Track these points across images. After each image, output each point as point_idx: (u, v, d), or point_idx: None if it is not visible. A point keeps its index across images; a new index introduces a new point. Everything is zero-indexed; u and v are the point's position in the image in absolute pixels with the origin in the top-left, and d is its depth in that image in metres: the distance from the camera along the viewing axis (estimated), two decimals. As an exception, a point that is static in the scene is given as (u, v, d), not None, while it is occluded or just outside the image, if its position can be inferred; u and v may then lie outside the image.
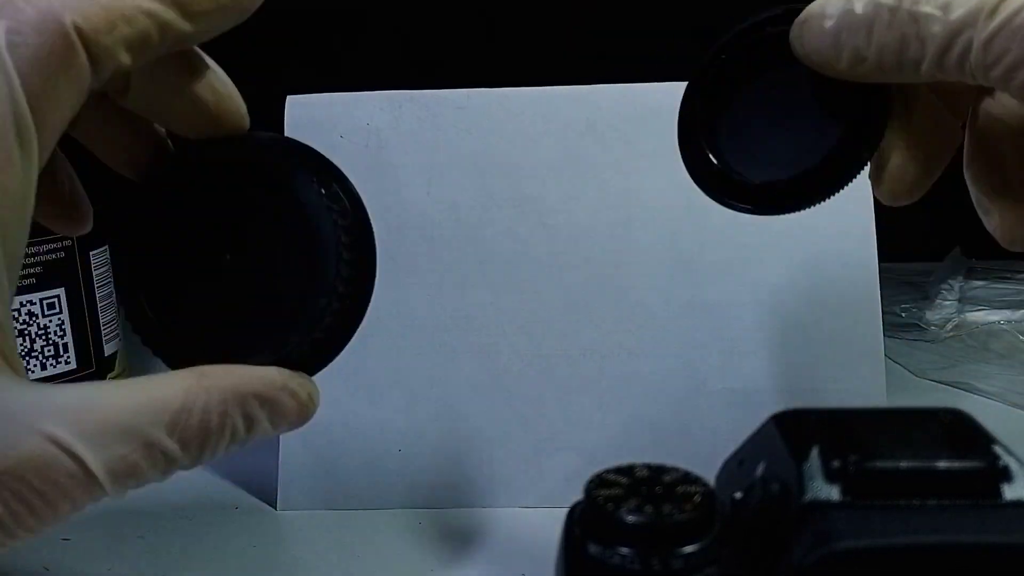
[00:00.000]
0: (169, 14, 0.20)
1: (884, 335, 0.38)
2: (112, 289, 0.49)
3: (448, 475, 0.37)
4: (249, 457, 0.40)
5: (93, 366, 0.46)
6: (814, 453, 0.19)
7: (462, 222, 0.38)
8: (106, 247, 0.48)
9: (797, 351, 0.37)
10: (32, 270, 0.43)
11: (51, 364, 0.44)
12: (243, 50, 0.31)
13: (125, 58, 0.20)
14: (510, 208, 0.38)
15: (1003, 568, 0.17)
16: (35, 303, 0.43)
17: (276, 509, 0.37)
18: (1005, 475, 0.18)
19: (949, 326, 0.55)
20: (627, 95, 0.39)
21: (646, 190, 0.38)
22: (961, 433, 0.20)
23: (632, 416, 0.37)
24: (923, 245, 0.68)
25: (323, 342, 0.23)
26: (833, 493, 0.18)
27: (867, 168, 0.25)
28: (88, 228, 0.26)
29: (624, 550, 0.18)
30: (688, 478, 0.20)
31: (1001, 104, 0.23)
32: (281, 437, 0.37)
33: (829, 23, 0.22)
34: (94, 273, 0.47)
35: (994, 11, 0.20)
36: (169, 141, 0.24)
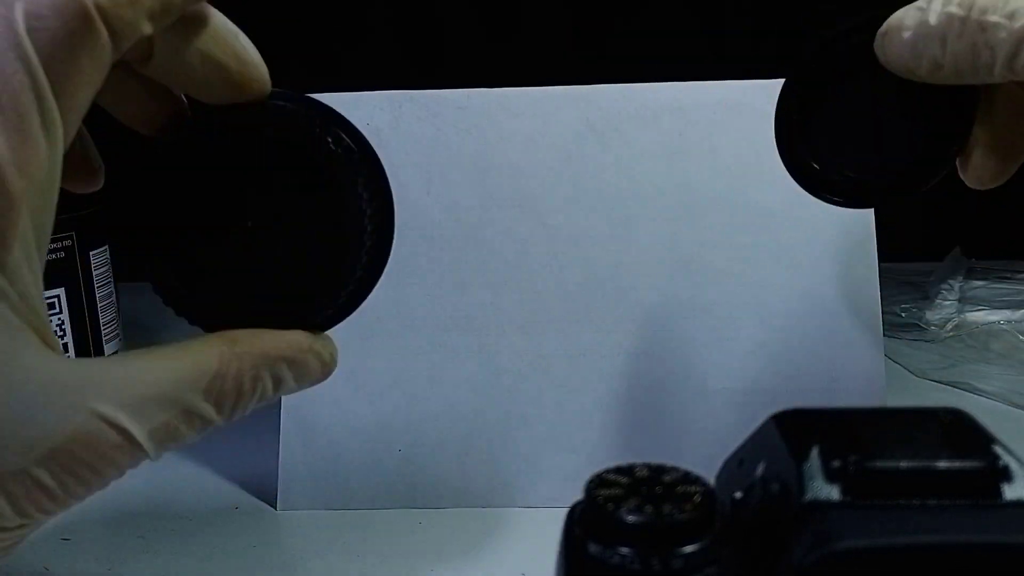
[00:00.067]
0: None
1: (884, 335, 0.38)
2: (112, 289, 0.49)
3: (448, 475, 0.37)
4: (249, 457, 0.40)
5: (93, 366, 0.46)
6: (814, 453, 0.19)
7: (462, 222, 0.38)
8: (106, 247, 0.48)
9: (797, 351, 0.37)
10: (32, 270, 0.43)
11: (51, 364, 0.44)
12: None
13: (147, 28, 0.19)
14: (510, 208, 0.38)
15: (1003, 568, 0.17)
16: (35, 303, 0.43)
17: (276, 509, 0.37)
18: (1005, 475, 0.18)
19: (949, 326, 0.55)
20: (627, 95, 0.38)
21: (646, 190, 0.38)
22: (961, 433, 0.20)
23: (632, 416, 0.37)
24: (923, 245, 0.68)
25: (345, 305, 0.24)
26: (833, 493, 0.18)
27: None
28: (101, 184, 0.25)
29: (624, 550, 0.18)
30: (688, 478, 0.20)
31: None
32: (281, 437, 0.37)
33: (907, 34, 0.23)
34: (94, 273, 0.47)
35: None
36: (187, 105, 0.24)
